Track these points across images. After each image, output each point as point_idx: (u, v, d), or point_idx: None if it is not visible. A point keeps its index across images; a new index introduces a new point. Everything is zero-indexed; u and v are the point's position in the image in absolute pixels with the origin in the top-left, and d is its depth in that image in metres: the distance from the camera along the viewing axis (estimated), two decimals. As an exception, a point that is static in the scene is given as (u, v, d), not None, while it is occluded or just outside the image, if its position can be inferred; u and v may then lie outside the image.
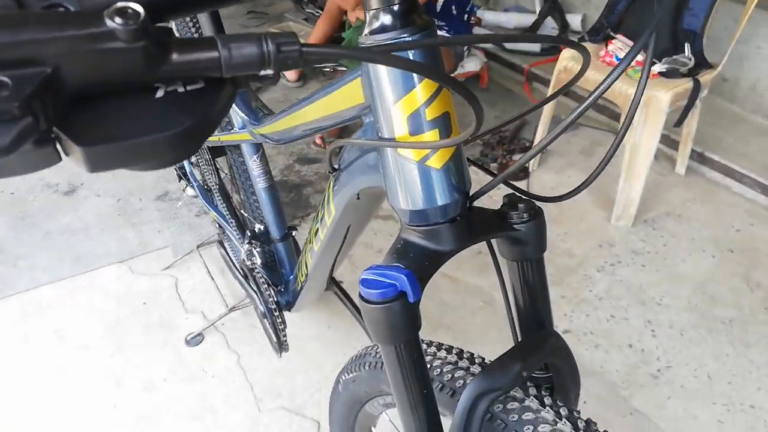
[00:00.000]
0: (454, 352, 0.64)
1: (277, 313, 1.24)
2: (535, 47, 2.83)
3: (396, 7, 0.44)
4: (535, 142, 2.21)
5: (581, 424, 0.53)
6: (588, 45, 2.06)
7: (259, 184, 1.16)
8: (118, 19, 0.24)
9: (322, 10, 2.64)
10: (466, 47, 2.52)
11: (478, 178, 0.67)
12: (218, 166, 1.47)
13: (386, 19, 0.44)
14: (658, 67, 1.84)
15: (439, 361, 0.62)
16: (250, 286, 1.30)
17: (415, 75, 0.45)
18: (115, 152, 0.26)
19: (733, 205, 2.05)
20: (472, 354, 0.64)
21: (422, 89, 0.46)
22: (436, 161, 0.48)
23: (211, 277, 1.79)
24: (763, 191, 2.03)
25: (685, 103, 1.85)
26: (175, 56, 0.27)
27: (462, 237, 0.51)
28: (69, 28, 0.24)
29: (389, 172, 0.51)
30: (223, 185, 1.42)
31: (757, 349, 1.55)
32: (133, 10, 0.24)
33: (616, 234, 1.94)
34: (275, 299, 1.24)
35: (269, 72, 0.29)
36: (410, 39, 0.44)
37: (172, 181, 2.22)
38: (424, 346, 0.66)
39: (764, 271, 1.78)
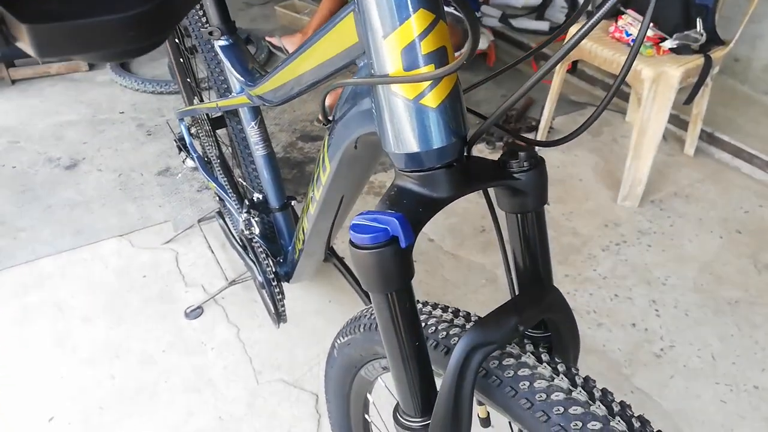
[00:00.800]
0: (449, 311, 0.62)
1: (275, 284, 1.22)
2: (544, 26, 2.78)
3: None
4: (542, 120, 2.18)
5: (579, 380, 0.51)
6: (597, 21, 2.02)
7: (258, 151, 1.14)
8: None
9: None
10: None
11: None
12: (219, 139, 1.45)
13: None
14: (668, 43, 1.80)
15: (434, 319, 0.61)
16: (249, 256, 1.29)
17: (410, 4, 0.43)
18: (65, 33, 0.24)
19: (742, 186, 2.01)
20: (469, 313, 0.62)
21: (417, 20, 0.43)
22: (431, 99, 0.46)
23: (212, 251, 1.78)
24: (774, 172, 2.00)
25: (695, 80, 1.81)
26: None
27: (458, 184, 0.49)
28: None
29: (382, 114, 0.49)
30: (224, 156, 1.41)
31: (763, 330, 1.52)
32: None
33: (623, 214, 1.91)
34: (274, 270, 1.23)
35: None
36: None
37: (174, 156, 2.20)
38: (419, 306, 0.64)
39: (772, 252, 1.75)
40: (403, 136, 0.48)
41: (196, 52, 1.34)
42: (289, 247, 1.26)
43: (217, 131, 1.44)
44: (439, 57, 0.45)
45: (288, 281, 1.26)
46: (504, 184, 0.52)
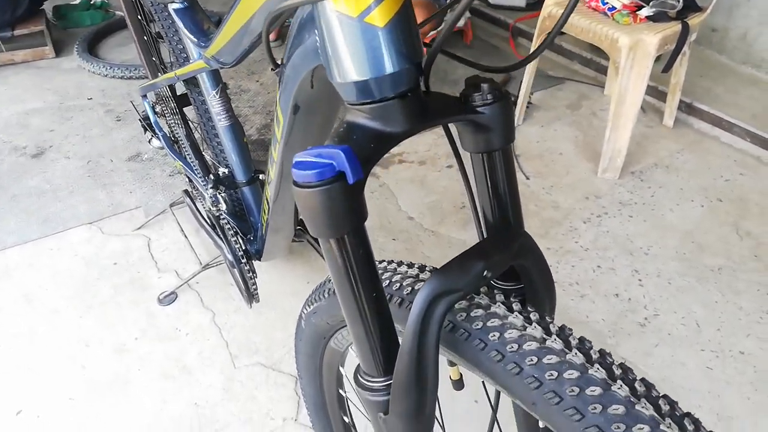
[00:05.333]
0: (415, 266, 0.58)
1: (245, 262, 1.18)
2: (521, 2, 2.74)
3: None
4: (520, 96, 2.14)
5: (554, 329, 0.47)
6: (573, -10, 1.98)
7: (221, 122, 1.08)
8: None
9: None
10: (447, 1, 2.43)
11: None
12: (185, 116, 1.40)
13: None
14: (645, 11, 1.77)
15: (399, 275, 0.56)
16: (218, 236, 1.24)
17: None
18: None
19: (721, 156, 1.99)
20: (436, 268, 0.58)
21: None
22: (378, 17, 0.41)
23: (185, 236, 1.72)
24: (753, 140, 1.98)
25: (673, 48, 1.78)
26: None
27: (414, 117, 0.45)
28: None
29: (325, 39, 0.44)
30: (191, 132, 1.35)
31: (747, 296, 1.51)
32: None
33: (603, 186, 1.88)
34: (243, 247, 1.18)
35: None
36: None
37: (144, 141, 2.13)
38: (382, 264, 0.60)
39: (753, 219, 1.74)
40: (349, 61, 0.43)
41: (161, 39, 1.28)
42: (258, 224, 1.21)
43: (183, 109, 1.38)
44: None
45: (259, 259, 1.21)
46: (466, 119, 0.47)
